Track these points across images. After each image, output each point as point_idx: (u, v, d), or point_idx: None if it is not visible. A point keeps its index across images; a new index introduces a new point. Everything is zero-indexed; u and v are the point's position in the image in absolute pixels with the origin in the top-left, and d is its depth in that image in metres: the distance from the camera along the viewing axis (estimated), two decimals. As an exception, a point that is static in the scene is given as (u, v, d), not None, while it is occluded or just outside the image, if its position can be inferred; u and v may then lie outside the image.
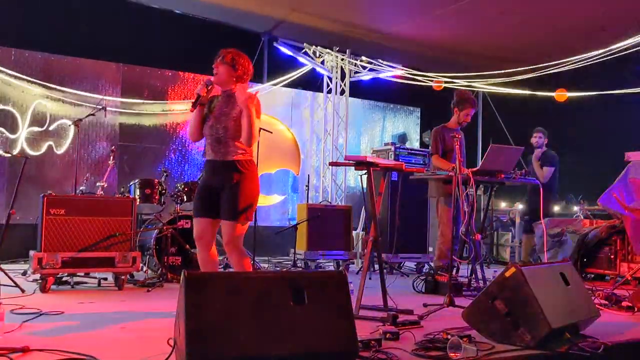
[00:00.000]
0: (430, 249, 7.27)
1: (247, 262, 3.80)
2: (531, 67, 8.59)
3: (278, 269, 7.12)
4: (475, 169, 4.93)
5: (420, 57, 9.82)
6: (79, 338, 3.16)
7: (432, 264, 6.81)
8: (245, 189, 3.69)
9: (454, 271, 5.15)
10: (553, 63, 8.29)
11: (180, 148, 8.57)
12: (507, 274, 3.18)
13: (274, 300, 2.46)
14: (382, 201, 5.64)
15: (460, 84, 9.24)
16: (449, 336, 3.08)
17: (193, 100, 3.78)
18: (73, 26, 7.78)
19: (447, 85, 9.36)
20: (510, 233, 9.23)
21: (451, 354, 2.80)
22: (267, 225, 8.48)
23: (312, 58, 9.49)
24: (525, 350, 3.00)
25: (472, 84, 9.42)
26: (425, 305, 4.30)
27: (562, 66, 8.18)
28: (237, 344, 2.33)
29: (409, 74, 9.52)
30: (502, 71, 9.08)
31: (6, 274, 4.84)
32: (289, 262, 7.34)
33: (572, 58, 8.00)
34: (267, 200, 8.92)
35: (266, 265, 7.27)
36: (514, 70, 8.83)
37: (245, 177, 3.71)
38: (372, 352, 2.79)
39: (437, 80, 9.29)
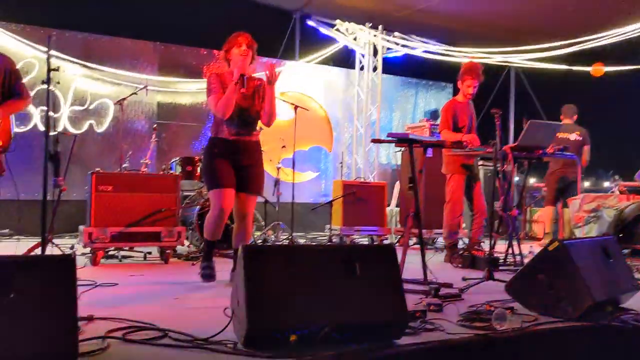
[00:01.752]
0: (464, 225, 7.29)
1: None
2: (568, 41, 8.47)
3: (315, 244, 7.25)
4: (513, 145, 4.95)
5: (453, 32, 9.73)
6: (136, 308, 3.31)
7: (464, 240, 6.86)
8: (263, 167, 4.26)
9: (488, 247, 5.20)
10: (590, 37, 8.16)
11: (216, 126, 8.69)
12: (550, 248, 3.24)
13: (327, 272, 2.56)
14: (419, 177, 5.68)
15: (495, 59, 9.16)
16: (492, 308, 3.16)
17: (237, 79, 3.95)
18: (111, 6, 7.91)
19: (481, 60, 9.28)
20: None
21: (496, 325, 2.88)
22: (301, 202, 8.61)
23: (344, 35, 9.49)
24: (568, 322, 3.06)
25: (507, 60, 9.33)
26: (464, 279, 4.38)
27: (601, 40, 8.05)
28: (294, 313, 2.44)
29: (442, 49, 9.46)
30: (537, 46, 8.98)
31: (58, 247, 5.05)
32: (324, 238, 7.47)
33: (610, 32, 7.86)
34: (301, 177, 9.04)
35: (303, 241, 7.40)
36: (550, 45, 8.72)
37: (261, 156, 4.25)
38: (420, 323, 2.89)
39: (471, 56, 9.22)
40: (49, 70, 2.83)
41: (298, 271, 2.53)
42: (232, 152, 4.08)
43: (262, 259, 2.51)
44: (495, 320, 2.91)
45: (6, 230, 7.01)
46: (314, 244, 6.72)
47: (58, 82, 3.30)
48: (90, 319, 2.87)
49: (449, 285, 4.11)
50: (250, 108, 4.10)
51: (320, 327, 2.47)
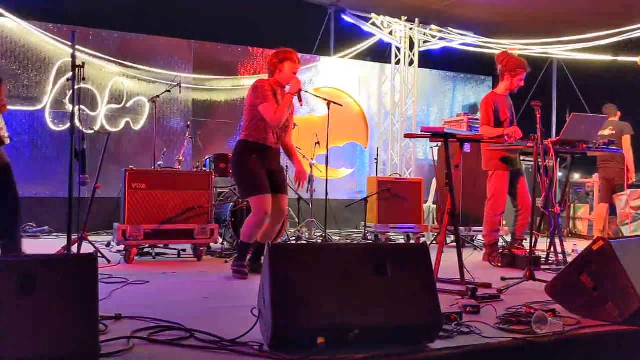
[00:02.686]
0: (504, 222, 7.09)
1: None
2: (612, 31, 8.13)
3: (349, 241, 7.16)
4: (555, 139, 4.75)
5: (491, 24, 9.47)
6: (164, 306, 3.28)
7: (507, 237, 6.67)
8: None
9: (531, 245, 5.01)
10: (637, 27, 7.81)
11: (250, 123, 8.67)
12: (595, 247, 3.07)
13: (356, 272, 2.46)
14: (456, 173, 5.52)
15: (535, 51, 8.88)
16: (533, 310, 3.01)
17: (297, 93, 4.24)
18: (147, 5, 7.97)
19: (521, 52, 9.00)
20: (588, 205, 8.88)
21: (536, 328, 2.73)
22: (335, 199, 8.52)
23: (379, 29, 9.35)
24: (613, 326, 2.89)
25: (548, 51, 9.03)
26: (503, 278, 4.22)
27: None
28: (322, 314, 2.35)
29: (480, 41, 9.23)
30: (580, 37, 8.66)
31: (93, 245, 5.09)
32: (359, 235, 7.37)
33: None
34: (335, 173, 8.95)
35: (337, 238, 7.32)
36: (593, 35, 8.39)
37: None
38: (454, 325, 2.77)
39: (510, 48, 8.94)
40: (74, 67, 2.81)
41: (326, 271, 2.44)
42: (270, 158, 4.34)
43: (288, 258, 2.43)
44: (535, 323, 2.76)
45: (45, 228, 7.14)
46: (343, 242, 6.62)
47: (84, 79, 3.27)
48: (117, 317, 2.85)
49: (487, 286, 3.97)
50: (287, 120, 4.40)
51: (348, 329, 2.38)
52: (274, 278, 2.36)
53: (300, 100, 4.28)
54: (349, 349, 2.36)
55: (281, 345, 2.34)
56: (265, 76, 4.49)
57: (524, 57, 5.66)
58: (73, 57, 2.84)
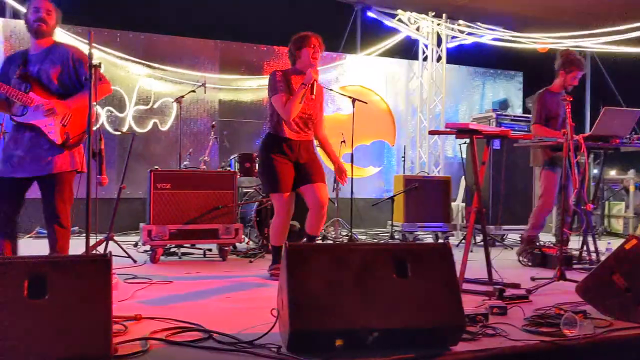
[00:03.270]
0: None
1: None
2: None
3: (375, 240, 7.08)
4: (586, 135, 4.61)
5: (522, 17, 9.25)
6: (186, 307, 3.27)
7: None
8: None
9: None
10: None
11: (276, 122, 8.66)
12: (627, 247, 2.95)
13: (376, 272, 2.40)
14: (485, 171, 5.41)
15: (567, 44, 8.65)
16: (562, 311, 2.91)
17: (308, 85, 4.03)
18: (172, 6, 8.02)
19: (552, 46, 8.79)
20: (624, 203, 8.61)
21: (565, 331, 2.63)
22: (363, 197, 8.45)
23: (406, 25, 9.23)
24: (648, 329, 2.77)
25: (580, 44, 8.79)
26: (533, 278, 4.11)
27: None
28: (340, 316, 2.30)
29: (510, 36, 9.03)
30: (614, 28, 8.40)
31: (119, 245, 5.12)
32: (386, 234, 7.28)
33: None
34: (362, 172, 8.87)
35: (364, 237, 7.25)
36: (627, 27, 8.13)
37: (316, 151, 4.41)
38: (479, 327, 2.68)
39: (541, 42, 8.74)
40: (91, 67, 2.81)
41: (344, 271, 2.38)
42: (294, 150, 4.16)
43: (306, 258, 2.38)
44: (564, 325, 2.66)
45: (75, 228, 7.23)
46: (364, 241, 6.54)
47: (100, 79, 3.26)
48: (137, 318, 2.84)
49: (516, 286, 3.86)
50: (311, 108, 4.20)
51: (368, 331, 2.33)
52: (292, 279, 2.32)
53: (311, 92, 4.05)
54: (369, 351, 2.30)
55: (299, 347, 2.29)
56: None
57: (555, 51, 5.51)
58: (90, 56, 2.84)
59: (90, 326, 1.93)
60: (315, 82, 4.05)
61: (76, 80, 3.54)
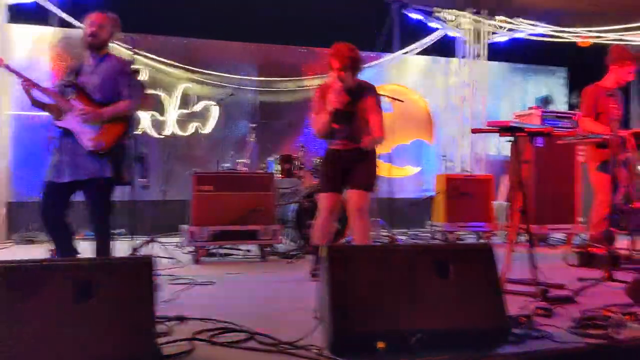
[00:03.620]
0: (580, 219, 6.75)
1: None
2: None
3: (415, 241, 7.03)
4: (634, 130, 4.47)
5: (561, 12, 9.01)
6: (228, 308, 3.32)
7: (582, 235, 6.37)
8: (371, 164, 4.27)
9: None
10: None
11: (315, 123, 8.68)
12: (679, 247, 2.84)
13: (417, 273, 2.39)
14: (528, 169, 5.31)
15: (610, 38, 8.40)
16: (610, 313, 2.83)
17: (331, 112, 3.98)
18: (212, 11, 8.11)
19: (595, 40, 8.55)
20: (675, 200, 8.31)
21: (614, 333, 2.56)
22: (401, 197, 8.39)
23: (444, 22, 9.13)
24: (702, 332, 2.67)
25: (624, 38, 8.53)
26: (579, 279, 4.00)
27: None
28: (383, 317, 2.30)
29: (552, 31, 8.83)
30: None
31: (164, 246, 5.23)
32: (427, 234, 7.21)
33: None
34: (401, 171, 8.81)
35: (403, 238, 7.20)
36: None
37: (369, 155, 4.24)
38: (524, 330, 2.63)
39: (583, 36, 8.51)
40: (134, 72, 2.87)
41: (385, 273, 2.37)
42: (343, 159, 4.16)
43: (346, 260, 2.38)
44: (612, 327, 2.59)
45: (122, 230, 7.41)
46: (405, 242, 6.49)
47: (146, 95, 3.36)
48: (181, 319, 2.89)
49: (561, 287, 3.76)
50: (353, 119, 4.10)
51: (411, 333, 2.31)
52: (333, 281, 2.32)
53: (333, 120, 3.99)
54: (411, 353, 2.28)
55: (341, 349, 2.29)
56: (329, 77, 4.29)
57: (598, 46, 5.39)
58: (132, 62, 2.91)
59: (135, 328, 1.97)
60: (338, 111, 3.98)
61: (118, 91, 3.63)
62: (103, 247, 3.50)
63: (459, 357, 2.29)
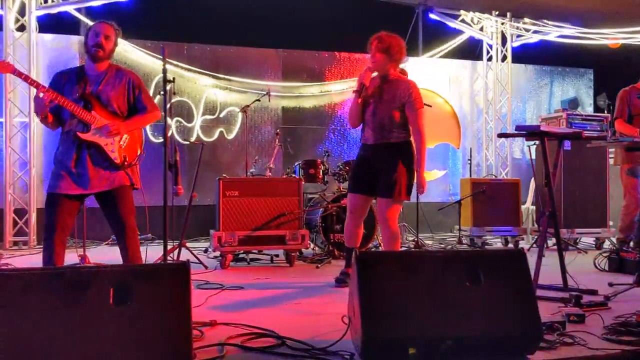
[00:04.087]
0: (611, 223, 6.65)
1: None
2: None
3: (442, 246, 6.99)
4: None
5: (588, 13, 8.91)
6: (258, 313, 3.34)
7: (613, 239, 6.27)
8: (398, 170, 4.01)
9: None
10: None
11: (339, 128, 8.71)
12: None
13: (448, 279, 2.38)
14: (556, 173, 5.25)
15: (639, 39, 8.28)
16: (645, 320, 2.79)
17: (357, 89, 4.01)
18: (235, 17, 8.20)
19: (625, 42, 8.43)
20: None
21: (649, 340, 2.52)
22: (428, 202, 8.34)
23: (469, 25, 9.09)
24: None
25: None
26: (611, 284, 3.95)
27: None
28: (413, 324, 2.29)
29: (578, 32, 8.72)
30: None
31: (191, 252, 5.28)
32: (453, 239, 7.17)
33: None
34: (427, 175, 8.74)
35: (430, 243, 7.17)
36: None
37: (396, 159, 4.02)
38: (557, 336, 2.60)
39: (612, 37, 8.40)
40: (165, 81, 2.92)
41: (416, 279, 2.37)
42: (372, 156, 4.07)
43: (376, 266, 2.39)
44: (648, 334, 2.55)
45: (149, 235, 7.49)
46: (434, 248, 6.45)
47: (174, 93, 3.38)
48: (212, 324, 2.92)
49: (593, 292, 3.71)
50: (383, 112, 4.02)
51: (441, 339, 2.30)
52: (363, 287, 2.33)
53: (358, 97, 4.00)
54: None
55: (372, 355, 2.30)
56: (355, 80, 4.31)
57: (628, 47, 5.34)
58: (164, 71, 2.95)
59: (172, 331, 2.01)
60: (364, 86, 3.99)
61: (133, 104, 3.67)
62: (135, 252, 3.54)
63: (492, 364, 2.27)
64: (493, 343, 2.32)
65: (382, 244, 4.22)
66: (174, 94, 3.43)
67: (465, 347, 2.30)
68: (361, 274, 2.35)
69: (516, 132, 3.82)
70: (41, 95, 3.37)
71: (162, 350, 1.98)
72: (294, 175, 6.29)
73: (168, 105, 3.48)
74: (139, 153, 3.68)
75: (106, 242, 6.94)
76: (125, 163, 3.57)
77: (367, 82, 4.02)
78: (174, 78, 2.99)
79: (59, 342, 1.91)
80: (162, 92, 3.16)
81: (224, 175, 5.49)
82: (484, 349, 2.32)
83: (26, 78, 3.53)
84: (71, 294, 1.97)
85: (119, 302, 2.01)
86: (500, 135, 4.22)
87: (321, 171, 6.20)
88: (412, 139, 4.07)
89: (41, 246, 6.83)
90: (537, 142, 6.25)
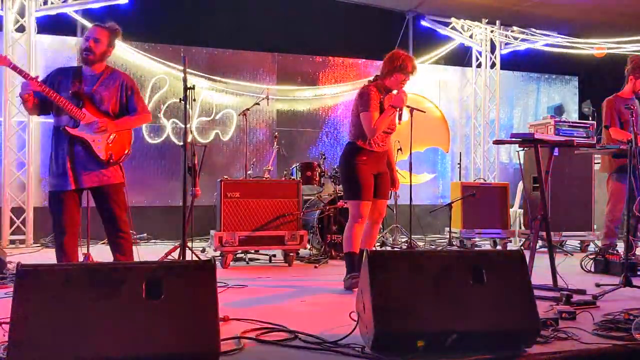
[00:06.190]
0: (596, 227, 6.89)
1: None
2: None
3: (433, 247, 7.18)
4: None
5: (575, 22, 9.18)
6: (266, 309, 3.47)
7: (598, 242, 6.50)
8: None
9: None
10: None
11: (332, 131, 8.88)
12: (698, 254, 2.99)
13: (453, 278, 2.55)
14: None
15: (629, 49, 8.55)
16: (631, 317, 2.97)
17: (397, 110, 4.12)
18: (232, 21, 8.33)
19: (610, 51, 8.70)
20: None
21: (637, 335, 2.71)
22: (417, 204, 8.52)
23: (459, 32, 9.31)
24: None
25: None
26: (597, 285, 4.15)
27: None
28: (421, 319, 2.45)
29: (566, 41, 8.98)
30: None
31: (192, 251, 5.40)
32: (443, 241, 7.36)
33: None
34: (417, 178, 8.96)
35: (421, 244, 7.35)
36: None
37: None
38: (551, 331, 2.79)
39: (598, 47, 8.67)
40: (186, 89, 3.05)
41: (424, 277, 2.54)
42: (376, 161, 4.27)
43: (386, 264, 2.55)
44: (635, 329, 2.74)
45: (144, 235, 7.61)
46: (439, 249, 6.65)
47: (194, 100, 3.51)
48: (225, 319, 3.06)
49: (582, 292, 3.91)
50: (393, 124, 4.28)
51: (447, 333, 2.47)
52: (374, 284, 2.48)
53: (399, 118, 4.16)
54: (448, 352, 2.44)
55: (383, 348, 2.45)
56: (348, 85, 4.47)
57: (613, 56, 5.55)
58: (184, 80, 3.09)
59: (201, 324, 2.15)
60: (403, 109, 4.15)
61: (124, 105, 3.80)
62: (127, 248, 3.67)
63: (493, 357, 2.44)
64: (495, 337, 2.49)
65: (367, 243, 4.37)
66: (194, 100, 3.54)
67: (469, 340, 2.47)
68: (372, 273, 2.50)
69: (512, 139, 4.00)
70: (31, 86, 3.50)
71: (192, 341, 2.13)
72: (291, 177, 6.44)
73: (166, 105, 3.58)
74: (126, 152, 3.80)
75: (102, 242, 7.02)
76: (111, 160, 3.70)
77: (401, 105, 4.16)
78: (194, 85, 3.12)
79: (97, 329, 2.06)
80: (181, 99, 3.29)
81: (225, 176, 5.62)
82: (486, 342, 2.49)
83: (20, 72, 3.64)
84: (107, 287, 2.11)
85: (151, 295, 2.15)
86: (497, 142, 4.41)
87: (317, 173, 6.36)
88: None
89: (38, 245, 6.98)
90: (527, 148, 6.49)
